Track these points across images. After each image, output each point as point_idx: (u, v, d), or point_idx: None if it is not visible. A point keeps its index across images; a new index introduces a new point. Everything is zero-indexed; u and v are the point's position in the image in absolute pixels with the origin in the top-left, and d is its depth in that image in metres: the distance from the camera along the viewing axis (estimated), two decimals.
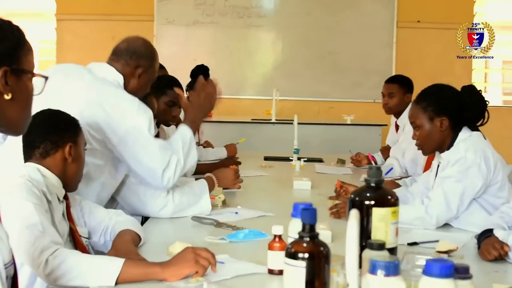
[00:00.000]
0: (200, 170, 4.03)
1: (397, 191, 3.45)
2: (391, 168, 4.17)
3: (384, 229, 2.02)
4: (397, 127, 5.11)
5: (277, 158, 5.22)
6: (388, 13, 7.84)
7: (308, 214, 1.75)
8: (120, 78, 3.00)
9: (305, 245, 1.72)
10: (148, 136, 2.88)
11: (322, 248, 1.72)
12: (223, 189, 3.52)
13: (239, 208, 3.24)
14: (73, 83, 2.95)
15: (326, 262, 1.72)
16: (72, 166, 2.45)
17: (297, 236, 1.84)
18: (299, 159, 4.72)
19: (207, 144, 5.18)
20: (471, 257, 2.45)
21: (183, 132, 3.05)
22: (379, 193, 2.06)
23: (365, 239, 1.96)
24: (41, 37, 8.35)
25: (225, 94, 7.66)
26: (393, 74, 7.62)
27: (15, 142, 2.55)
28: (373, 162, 4.35)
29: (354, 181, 3.84)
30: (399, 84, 5.01)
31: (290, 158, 4.77)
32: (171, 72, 5.33)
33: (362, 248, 1.96)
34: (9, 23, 1.59)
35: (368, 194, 2.05)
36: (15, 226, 2.12)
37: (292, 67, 7.97)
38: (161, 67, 4.60)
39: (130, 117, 2.85)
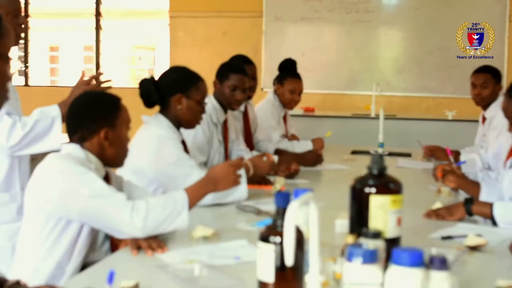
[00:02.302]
0: (283, 160, 4.08)
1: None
2: (459, 162, 3.98)
3: (383, 218, 1.96)
4: (483, 119, 4.93)
5: (364, 152, 5.15)
6: (500, 7, 7.51)
7: (281, 198, 1.73)
8: None
9: (278, 229, 1.71)
10: None
11: (295, 233, 1.69)
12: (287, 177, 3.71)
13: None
14: None
15: (299, 247, 1.69)
16: (110, 149, 2.47)
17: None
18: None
19: (292, 137, 5.18)
20: (505, 253, 2.32)
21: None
22: (380, 181, 2.00)
23: (362, 228, 1.92)
24: (155, 34, 8.66)
25: (332, 89, 7.87)
26: (505, 70, 7.32)
27: None
28: (451, 157, 4.19)
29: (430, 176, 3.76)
30: (492, 74, 4.83)
31: (371, 152, 4.69)
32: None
33: (359, 236, 1.93)
34: None
35: (368, 181, 2.00)
36: (88, 200, 2.29)
37: (401, 63, 7.81)
38: (250, 62, 4.63)
39: None
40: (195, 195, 2.47)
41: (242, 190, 3.11)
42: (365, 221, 1.97)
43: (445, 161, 4.25)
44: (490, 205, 2.76)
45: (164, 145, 3.18)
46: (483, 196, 3.02)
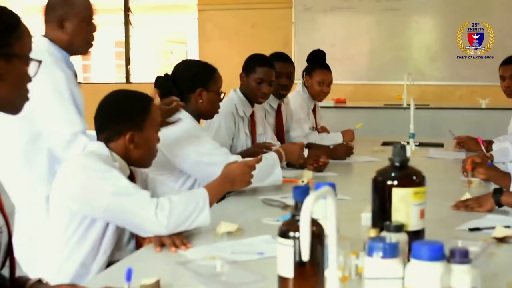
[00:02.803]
0: (312, 153, 4.08)
1: None
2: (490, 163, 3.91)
3: (405, 211, 1.92)
4: None
5: (395, 143, 5.07)
6: None
7: (300, 192, 1.71)
8: (44, 43, 2.96)
9: (297, 224, 1.68)
10: None
11: (314, 228, 1.67)
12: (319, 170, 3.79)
13: None
14: None
15: (319, 242, 1.66)
16: (136, 151, 2.44)
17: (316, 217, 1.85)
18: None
19: (322, 130, 5.14)
20: None
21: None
22: (402, 173, 1.97)
23: (384, 221, 1.90)
24: (184, 28, 8.69)
25: (363, 80, 7.80)
26: None
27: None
28: (482, 147, 4.12)
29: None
30: None
31: (402, 143, 4.64)
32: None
33: (381, 230, 1.90)
34: (0, 8, 1.69)
35: (390, 174, 1.97)
36: (112, 197, 2.27)
37: (433, 51, 7.72)
38: (287, 60, 4.54)
39: None
40: (214, 193, 2.47)
41: (277, 173, 3.22)
42: (387, 214, 1.94)
43: (476, 152, 4.20)
44: None
45: (195, 137, 3.21)
46: None
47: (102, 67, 14.78)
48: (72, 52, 3.07)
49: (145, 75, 11.38)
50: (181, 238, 2.26)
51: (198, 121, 3.33)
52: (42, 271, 2.32)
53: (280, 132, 4.58)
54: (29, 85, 1.76)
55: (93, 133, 2.59)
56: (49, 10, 3.04)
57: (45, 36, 3.03)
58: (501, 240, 2.26)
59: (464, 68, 7.59)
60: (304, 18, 7.99)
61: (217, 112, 3.41)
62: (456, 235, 2.34)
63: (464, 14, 7.56)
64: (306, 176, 3.46)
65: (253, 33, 8.12)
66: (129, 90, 2.57)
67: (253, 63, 4.02)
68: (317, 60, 5.10)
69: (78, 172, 2.33)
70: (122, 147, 2.42)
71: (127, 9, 8.70)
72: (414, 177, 1.96)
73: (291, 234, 1.67)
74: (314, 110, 5.17)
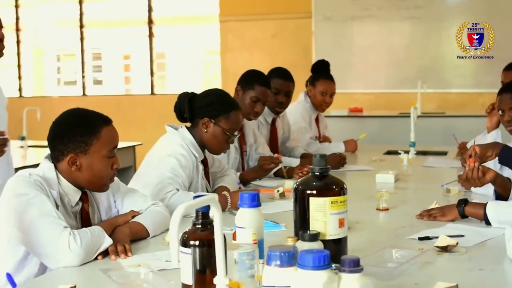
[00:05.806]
0: (303, 162, 4.08)
1: None
2: None
3: (323, 220, 1.93)
4: None
5: (398, 152, 5.02)
6: None
7: None
8: None
9: (197, 232, 1.71)
10: None
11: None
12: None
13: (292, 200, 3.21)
14: None
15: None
16: (80, 175, 2.37)
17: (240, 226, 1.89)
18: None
19: (324, 139, 5.11)
20: (473, 255, 2.24)
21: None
22: (321, 182, 1.97)
23: (304, 230, 1.90)
24: (206, 39, 8.76)
25: (383, 88, 7.74)
26: None
27: None
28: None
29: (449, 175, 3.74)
30: None
31: (399, 151, 4.61)
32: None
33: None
34: None
35: (309, 183, 1.98)
36: (31, 224, 2.21)
37: (454, 58, 7.60)
38: (289, 78, 4.50)
39: None
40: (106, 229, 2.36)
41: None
42: (307, 223, 1.96)
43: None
44: (483, 206, 2.67)
45: (170, 157, 3.13)
46: None
47: (141, 79, 14.89)
48: None
49: (181, 87, 11.44)
50: (123, 246, 2.27)
51: (203, 151, 3.26)
52: None
53: (274, 144, 4.55)
54: None
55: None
56: None
57: None
58: (444, 249, 2.24)
59: (487, 74, 7.46)
60: (324, 27, 7.98)
61: (223, 151, 3.31)
62: (401, 243, 2.32)
63: (483, 17, 7.44)
64: (285, 185, 3.46)
65: (273, 43, 8.14)
66: (84, 110, 2.46)
67: (253, 80, 3.98)
68: (321, 70, 5.09)
69: (6, 196, 2.31)
70: (66, 169, 2.36)
71: (150, 21, 8.83)
72: (333, 187, 1.96)
73: (191, 242, 1.69)
74: (317, 120, 5.14)
